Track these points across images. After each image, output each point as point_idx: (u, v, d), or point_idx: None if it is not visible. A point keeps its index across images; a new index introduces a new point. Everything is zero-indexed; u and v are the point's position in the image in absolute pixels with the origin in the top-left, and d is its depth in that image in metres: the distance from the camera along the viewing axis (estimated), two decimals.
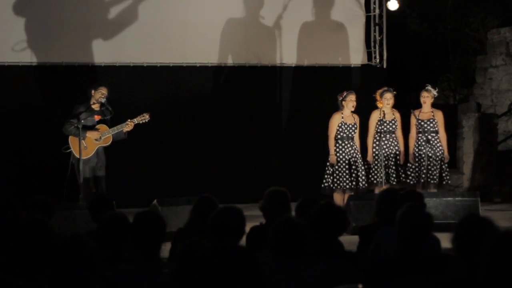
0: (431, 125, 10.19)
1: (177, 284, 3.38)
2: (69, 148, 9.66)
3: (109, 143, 9.80)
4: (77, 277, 3.37)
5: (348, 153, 10.08)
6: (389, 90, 10.30)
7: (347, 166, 10.05)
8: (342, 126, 10.09)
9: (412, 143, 10.25)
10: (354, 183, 10.05)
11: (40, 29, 11.46)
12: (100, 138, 9.72)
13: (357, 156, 10.13)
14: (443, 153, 10.18)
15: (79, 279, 3.37)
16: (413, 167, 10.22)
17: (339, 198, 9.97)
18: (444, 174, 10.20)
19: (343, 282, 3.52)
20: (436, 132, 10.19)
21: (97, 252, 3.46)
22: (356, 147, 10.15)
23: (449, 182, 10.41)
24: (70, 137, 9.67)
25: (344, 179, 10.03)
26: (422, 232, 4.14)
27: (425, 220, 4.19)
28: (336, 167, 10.06)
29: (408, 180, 10.23)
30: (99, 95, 9.72)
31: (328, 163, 10.15)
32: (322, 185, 10.15)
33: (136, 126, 9.83)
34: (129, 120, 9.79)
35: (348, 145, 10.09)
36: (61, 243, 3.45)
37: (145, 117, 9.89)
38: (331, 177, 10.08)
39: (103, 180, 9.79)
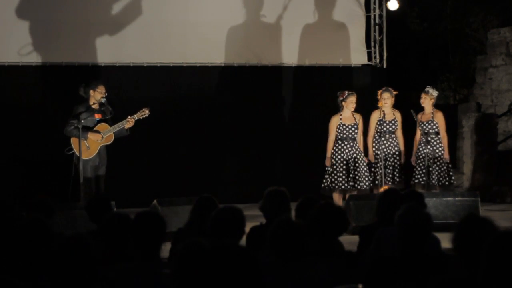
0: (429, 126, 10.19)
1: (177, 284, 3.38)
2: (71, 149, 9.64)
3: (111, 141, 9.78)
4: (78, 277, 3.37)
5: (347, 154, 10.07)
6: (387, 90, 10.31)
7: (344, 167, 10.05)
8: (340, 128, 10.09)
9: (415, 144, 10.28)
10: (351, 183, 10.04)
11: (40, 29, 11.46)
12: (102, 137, 9.70)
13: (358, 156, 10.12)
14: (442, 154, 10.16)
15: (79, 279, 3.37)
16: (414, 168, 10.23)
17: (337, 198, 10.00)
18: (448, 175, 10.19)
19: (343, 282, 3.52)
20: (436, 133, 10.18)
21: (97, 252, 3.46)
22: (358, 147, 10.15)
23: (454, 183, 10.37)
24: (72, 138, 9.65)
25: (340, 179, 10.04)
26: (422, 232, 4.14)
27: (425, 220, 4.19)
28: (334, 167, 10.07)
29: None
30: (100, 95, 9.66)
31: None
32: (322, 185, 10.17)
33: (137, 125, 9.81)
34: (129, 116, 9.77)
35: (348, 146, 10.08)
36: (61, 243, 3.45)
37: (145, 112, 9.87)
38: (330, 177, 10.10)
39: (102, 179, 9.76)
